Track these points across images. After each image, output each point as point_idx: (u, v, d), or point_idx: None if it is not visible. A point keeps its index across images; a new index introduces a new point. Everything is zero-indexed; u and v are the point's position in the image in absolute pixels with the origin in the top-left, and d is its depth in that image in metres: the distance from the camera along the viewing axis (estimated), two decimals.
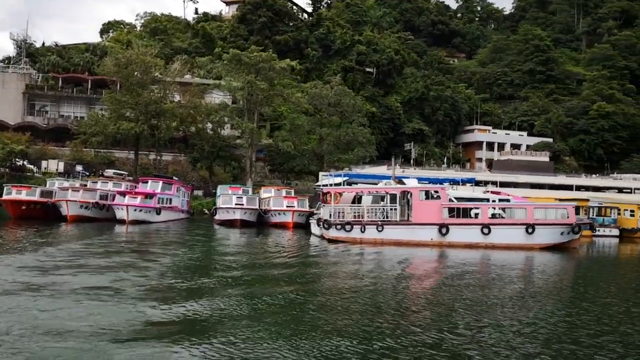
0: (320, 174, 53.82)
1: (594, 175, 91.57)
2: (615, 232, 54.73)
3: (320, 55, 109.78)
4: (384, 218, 38.24)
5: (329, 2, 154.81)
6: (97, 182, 60.55)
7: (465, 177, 55.72)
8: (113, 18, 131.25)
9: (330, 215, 39.36)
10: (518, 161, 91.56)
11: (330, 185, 47.10)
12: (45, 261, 23.25)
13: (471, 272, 26.06)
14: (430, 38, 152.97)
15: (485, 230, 36.78)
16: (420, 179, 47.97)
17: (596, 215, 55.75)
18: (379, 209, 38.53)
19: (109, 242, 34.33)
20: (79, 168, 71.83)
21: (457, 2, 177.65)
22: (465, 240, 36.79)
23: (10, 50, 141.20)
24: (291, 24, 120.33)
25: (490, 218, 37.66)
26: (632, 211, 56.60)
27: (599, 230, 53.59)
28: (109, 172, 67.90)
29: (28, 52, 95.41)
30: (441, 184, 44.45)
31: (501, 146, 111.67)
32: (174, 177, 66.55)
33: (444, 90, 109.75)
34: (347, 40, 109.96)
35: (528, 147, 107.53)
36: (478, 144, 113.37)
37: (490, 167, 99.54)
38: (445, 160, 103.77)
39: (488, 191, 44.71)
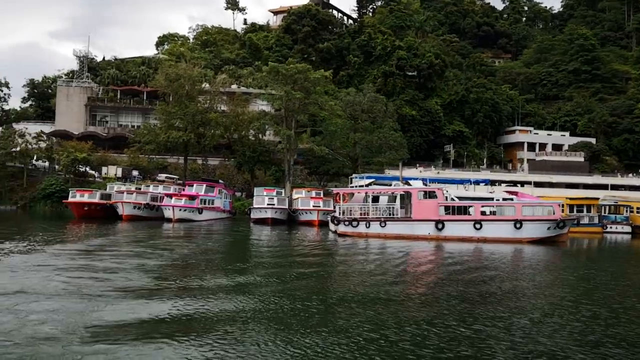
0: (351, 177, 58.36)
1: (630, 175, 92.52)
2: (628, 229, 56.99)
3: (361, 61, 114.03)
4: (387, 215, 42.96)
5: (374, 7, 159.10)
6: (149, 185, 67.16)
7: (480, 178, 59.33)
8: (168, 31, 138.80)
9: (342, 213, 44.42)
10: (553, 162, 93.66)
11: (360, 186, 51.77)
12: (95, 248, 29.08)
13: (460, 261, 30.04)
14: (476, 39, 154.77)
15: (477, 226, 41.22)
16: (437, 180, 52.36)
17: (609, 213, 58.27)
18: (383, 206, 43.33)
19: (150, 236, 40.08)
20: (135, 173, 78.68)
21: (503, 2, 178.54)
22: (459, 235, 41.32)
23: (72, 60, 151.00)
24: (335, 30, 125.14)
25: (481, 215, 41.69)
26: None
27: (610, 227, 56.23)
28: (162, 176, 74.44)
29: (89, 67, 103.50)
30: (457, 184, 48.77)
31: (542, 147, 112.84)
32: (220, 181, 72.63)
33: (484, 93, 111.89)
34: (387, 46, 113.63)
35: (570, 147, 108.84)
36: (519, 145, 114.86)
37: None
38: (484, 161, 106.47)
39: (493, 191, 48.27)
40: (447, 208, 42.44)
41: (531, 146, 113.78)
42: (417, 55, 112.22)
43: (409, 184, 46.01)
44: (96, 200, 62.09)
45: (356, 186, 51.99)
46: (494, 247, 37.64)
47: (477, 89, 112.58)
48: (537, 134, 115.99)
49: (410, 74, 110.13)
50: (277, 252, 32.48)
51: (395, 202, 43.93)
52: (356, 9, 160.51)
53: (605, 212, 58.34)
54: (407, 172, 76.74)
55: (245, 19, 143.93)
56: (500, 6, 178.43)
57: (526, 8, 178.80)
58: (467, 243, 39.82)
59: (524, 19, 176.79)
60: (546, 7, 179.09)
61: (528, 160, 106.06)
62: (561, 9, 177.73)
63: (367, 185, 50.98)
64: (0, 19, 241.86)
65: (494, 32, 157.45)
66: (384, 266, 26.90)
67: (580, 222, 54.68)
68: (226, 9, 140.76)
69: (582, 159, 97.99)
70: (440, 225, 41.84)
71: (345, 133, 79.38)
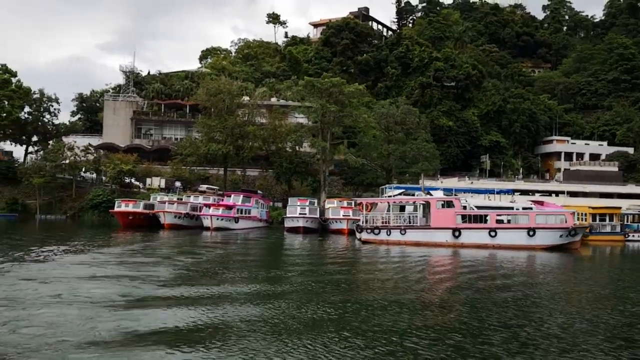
0: (381, 187, 60.48)
1: None
2: None
3: (399, 73, 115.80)
4: (407, 223, 45.33)
5: (413, 19, 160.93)
6: (190, 196, 70.68)
7: (505, 188, 60.75)
8: (212, 42, 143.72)
9: (365, 221, 47.02)
10: (587, 171, 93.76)
11: (389, 196, 54.08)
12: (136, 254, 32.12)
13: (476, 266, 31.98)
14: (515, 49, 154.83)
15: (492, 233, 43.59)
16: (466, 190, 54.38)
17: (632, 222, 59.08)
18: (403, 215, 45.82)
19: (187, 243, 43.10)
20: (177, 184, 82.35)
21: (544, 12, 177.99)
22: (475, 242, 43.68)
23: (119, 72, 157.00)
24: (375, 42, 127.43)
25: (497, 223, 43.64)
26: None
27: (633, 235, 57.13)
28: (203, 187, 77.89)
29: (135, 81, 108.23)
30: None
31: (580, 156, 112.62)
32: (259, 191, 75.79)
33: (521, 103, 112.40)
34: (425, 58, 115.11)
35: (607, 156, 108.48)
36: (557, 155, 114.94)
37: None
38: (521, 171, 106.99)
39: (514, 201, 49.86)
40: (464, 217, 44.88)
41: (568, 156, 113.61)
42: (455, 66, 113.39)
43: (431, 194, 48.18)
44: (140, 210, 66.15)
45: (389, 196, 54.18)
46: (508, 253, 39.56)
47: (514, 99, 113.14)
48: (574, 143, 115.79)
49: (447, 85, 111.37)
50: (299, 259, 34.63)
51: (416, 211, 46.28)
52: (396, 20, 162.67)
53: (628, 221, 59.20)
54: (443, 182, 78.80)
55: (286, 32, 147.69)
56: (540, 15, 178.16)
57: (567, 17, 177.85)
58: (482, 250, 41.85)
59: (565, 28, 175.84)
60: (587, 15, 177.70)
61: (559, 170, 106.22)
62: (603, 18, 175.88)
63: (395, 196, 53.13)
64: (52, 33, 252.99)
65: (533, 42, 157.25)
66: (403, 272, 28.59)
67: (602, 231, 56.04)
68: (267, 22, 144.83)
69: (616, 169, 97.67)
70: (457, 233, 44.27)
71: (379, 144, 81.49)
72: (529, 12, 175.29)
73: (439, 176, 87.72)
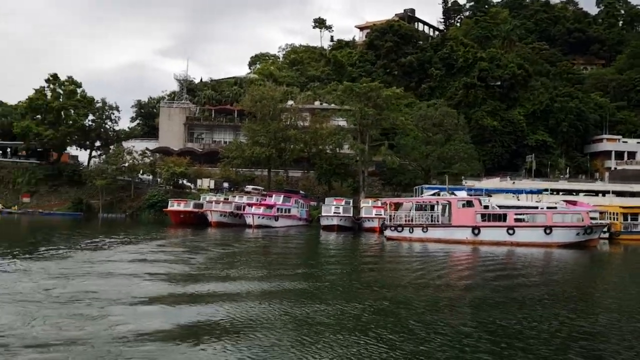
0: (415, 187, 62.66)
1: None
2: None
3: (443, 73, 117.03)
4: (429, 221, 47.88)
5: (461, 18, 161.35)
6: (235, 196, 75.04)
7: (535, 188, 61.73)
8: (263, 44, 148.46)
9: (390, 219, 50.17)
10: (633, 170, 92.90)
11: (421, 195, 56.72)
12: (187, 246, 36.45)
13: (493, 262, 34.49)
14: (567, 46, 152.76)
15: (510, 231, 45.91)
16: (492, 191, 56.55)
17: None
18: (425, 214, 48.49)
19: (230, 239, 46.87)
20: (225, 185, 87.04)
21: (597, 7, 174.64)
22: (493, 239, 45.99)
23: (173, 72, 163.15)
24: (419, 43, 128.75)
25: (515, 221, 45.70)
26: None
27: None
28: (249, 187, 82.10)
29: (188, 88, 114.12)
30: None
31: (631, 155, 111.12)
32: (301, 192, 79.51)
33: (569, 102, 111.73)
34: (469, 58, 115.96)
35: None
36: (607, 154, 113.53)
37: None
38: (567, 171, 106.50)
39: (540, 200, 51.75)
40: (483, 215, 47.46)
41: (619, 155, 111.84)
42: (500, 66, 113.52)
43: (455, 194, 50.60)
44: (190, 209, 71.60)
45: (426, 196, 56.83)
46: (524, 250, 41.83)
47: (561, 98, 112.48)
48: (625, 142, 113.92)
49: (492, 84, 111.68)
50: (326, 255, 38.09)
51: (441, 210, 49.14)
52: (442, 20, 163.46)
53: None
54: (488, 183, 79.99)
55: (332, 36, 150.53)
56: (594, 11, 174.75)
57: (623, 12, 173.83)
58: (500, 246, 44.13)
59: (621, 22, 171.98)
60: None
61: (609, 169, 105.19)
62: None
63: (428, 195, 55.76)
64: (111, 40, 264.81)
65: (586, 38, 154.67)
66: (420, 266, 31.29)
67: (634, 230, 56.90)
68: (314, 27, 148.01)
69: None
70: (476, 231, 46.80)
71: (418, 146, 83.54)
72: (582, 8, 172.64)
73: (462, 178, 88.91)
